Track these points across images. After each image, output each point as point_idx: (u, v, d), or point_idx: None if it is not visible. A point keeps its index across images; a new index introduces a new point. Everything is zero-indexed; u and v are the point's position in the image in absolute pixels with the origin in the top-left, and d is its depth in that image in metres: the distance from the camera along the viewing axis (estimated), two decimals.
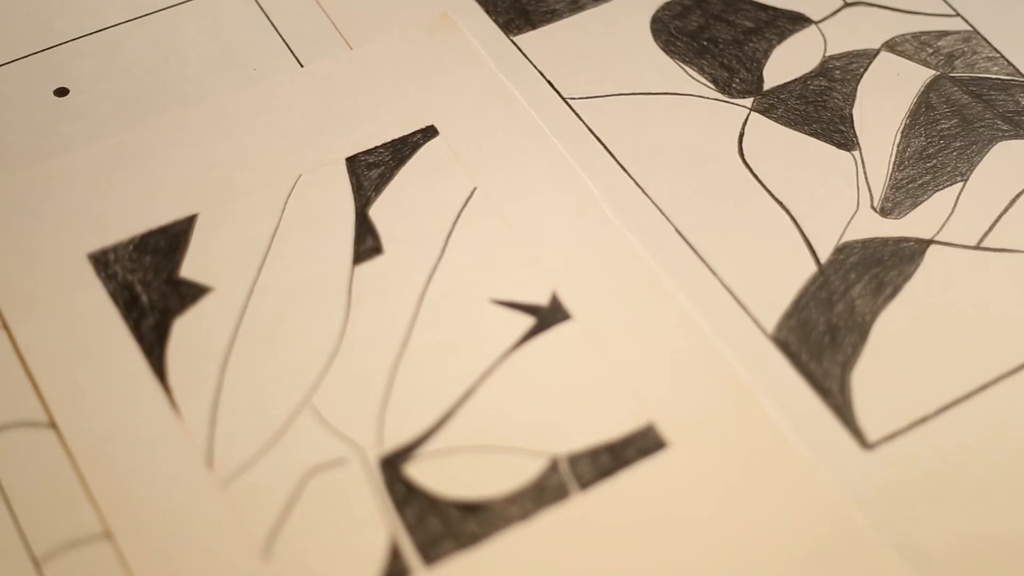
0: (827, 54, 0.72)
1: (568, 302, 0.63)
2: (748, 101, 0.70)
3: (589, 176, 0.67)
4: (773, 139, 0.69)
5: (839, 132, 0.69)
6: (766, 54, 0.72)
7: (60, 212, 0.65)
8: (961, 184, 0.68)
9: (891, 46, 0.73)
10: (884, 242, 0.65)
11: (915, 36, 0.73)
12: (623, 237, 0.65)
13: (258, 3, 0.73)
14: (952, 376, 0.61)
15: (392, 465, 0.58)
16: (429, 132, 0.68)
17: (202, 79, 0.70)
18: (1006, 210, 0.67)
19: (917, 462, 0.59)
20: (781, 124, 0.69)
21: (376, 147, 0.68)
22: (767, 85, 0.71)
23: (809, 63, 0.72)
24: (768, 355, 0.62)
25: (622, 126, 0.69)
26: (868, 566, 0.56)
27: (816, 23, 0.74)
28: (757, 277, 0.64)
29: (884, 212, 0.66)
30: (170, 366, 0.60)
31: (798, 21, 0.74)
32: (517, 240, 0.64)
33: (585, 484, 0.58)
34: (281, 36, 0.72)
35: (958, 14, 0.74)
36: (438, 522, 0.57)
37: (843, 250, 0.65)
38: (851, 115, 0.70)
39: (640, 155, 0.68)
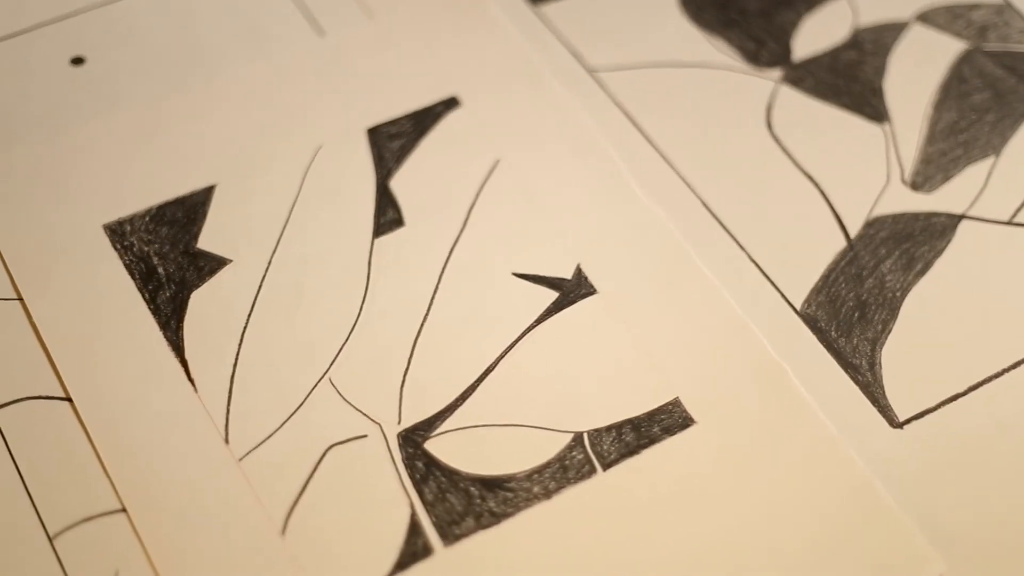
0: (858, 25, 0.71)
1: (592, 276, 0.62)
2: (776, 73, 0.69)
3: (614, 148, 0.66)
4: (802, 111, 0.68)
5: (869, 105, 0.68)
6: (795, 25, 0.71)
7: (75, 183, 0.64)
8: (993, 158, 0.67)
9: (923, 18, 0.72)
10: (915, 217, 0.64)
11: (947, 8, 0.72)
12: (649, 210, 0.64)
13: None
14: (983, 353, 0.60)
15: (411, 442, 0.57)
16: (451, 103, 0.67)
17: (219, 49, 0.69)
18: None
19: (947, 441, 0.58)
20: (810, 96, 0.68)
21: (397, 118, 0.67)
22: (796, 57, 0.70)
23: (839, 34, 0.71)
24: (796, 331, 0.61)
25: (648, 98, 0.68)
26: (894, 545, 0.55)
27: None
28: (785, 251, 0.63)
29: (915, 186, 0.65)
30: (187, 339, 0.59)
31: None
32: (540, 213, 0.63)
33: (609, 462, 0.57)
34: (299, 6, 0.71)
35: None
36: (458, 500, 0.56)
37: (873, 224, 0.64)
38: (882, 87, 0.69)
39: (666, 127, 0.67)
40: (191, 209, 0.63)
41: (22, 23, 0.70)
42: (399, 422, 0.57)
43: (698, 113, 0.68)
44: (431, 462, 0.56)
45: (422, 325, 0.60)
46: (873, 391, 0.59)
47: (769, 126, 0.67)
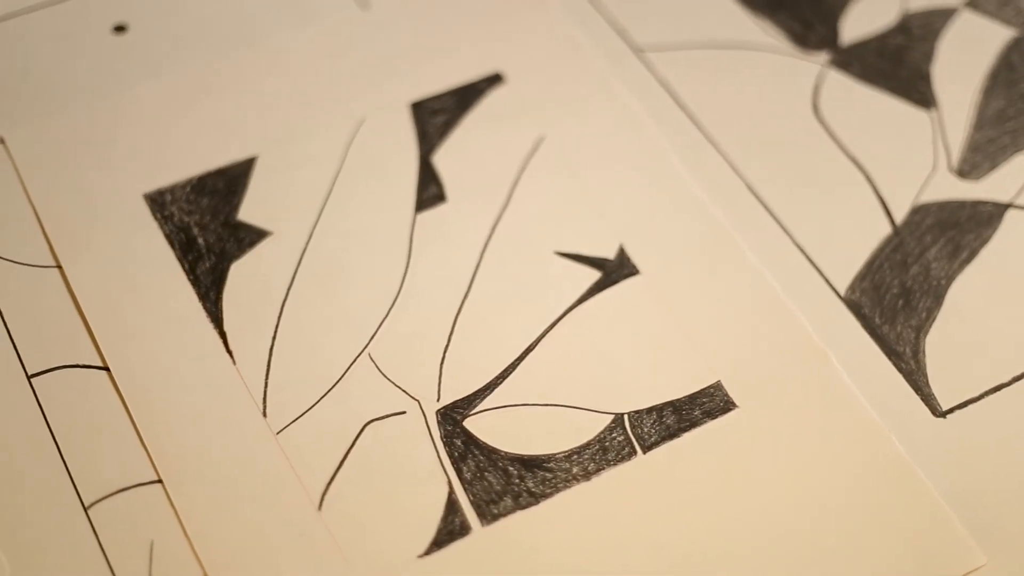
0: (906, 10, 0.71)
1: (635, 256, 0.61)
2: (824, 56, 0.68)
3: (659, 128, 0.65)
4: (849, 95, 0.67)
5: (917, 90, 0.67)
6: (843, 8, 0.70)
7: (116, 151, 0.64)
8: None
9: (972, 4, 0.71)
10: (961, 204, 0.64)
11: None
12: (693, 192, 0.63)
13: None
14: None
15: (450, 419, 0.57)
16: (495, 79, 0.67)
17: (262, 19, 0.69)
18: None
19: (990, 432, 0.57)
20: (857, 80, 0.68)
21: (441, 93, 0.66)
22: (844, 40, 0.69)
23: (887, 19, 0.70)
24: (840, 316, 0.60)
25: (693, 78, 0.67)
26: (936, 535, 0.55)
27: None
28: (830, 236, 0.62)
29: (962, 174, 0.65)
30: (226, 311, 0.59)
31: None
32: (584, 192, 0.63)
33: (649, 444, 0.56)
34: None
35: None
36: (496, 479, 0.55)
37: (919, 211, 0.63)
38: (930, 73, 0.68)
39: (711, 108, 0.66)
40: (232, 180, 0.63)
41: None
42: (438, 399, 0.57)
43: (744, 95, 0.67)
44: (470, 440, 0.56)
45: (463, 302, 0.60)
46: (916, 379, 0.58)
47: (815, 109, 0.66)
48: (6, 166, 0.63)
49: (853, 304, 0.60)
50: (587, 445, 0.56)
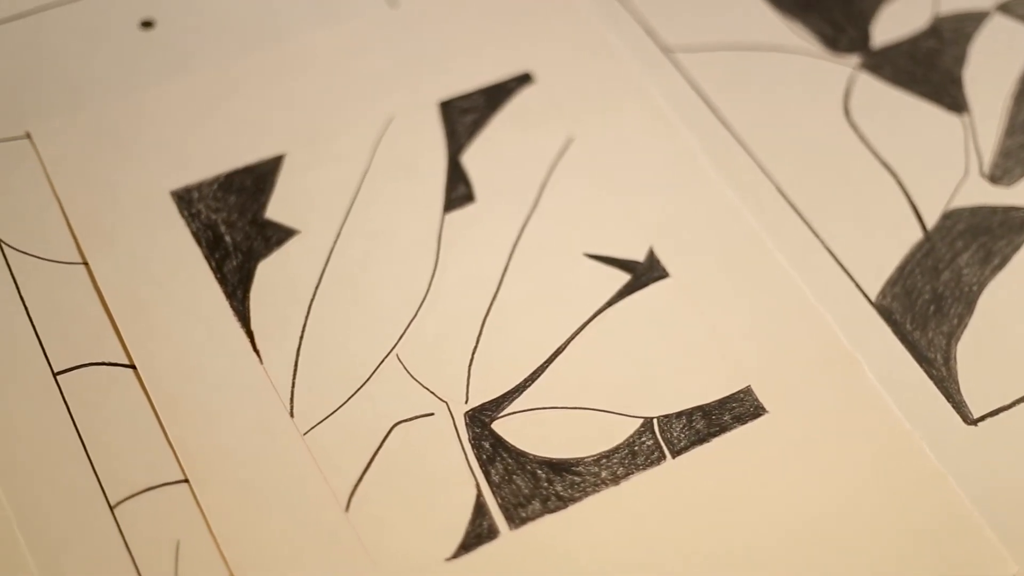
0: (938, 13, 0.70)
1: (665, 259, 0.61)
2: (855, 59, 0.68)
3: (689, 130, 0.65)
4: (880, 99, 0.67)
5: (948, 95, 0.67)
6: (874, 11, 0.70)
7: (143, 147, 0.63)
8: None
9: (1004, 7, 0.70)
10: (993, 210, 0.63)
11: None
12: (723, 194, 0.63)
13: None
14: None
15: (478, 421, 0.56)
16: (524, 79, 0.66)
17: (290, 16, 0.69)
18: None
19: (1022, 440, 0.57)
20: (888, 84, 0.67)
21: (470, 92, 0.66)
22: (875, 44, 0.69)
23: (919, 22, 0.70)
24: (870, 322, 0.60)
25: (724, 80, 0.67)
26: (966, 543, 0.54)
27: None
28: (861, 241, 0.62)
29: (993, 179, 0.64)
30: (253, 310, 0.59)
31: None
32: (614, 193, 0.63)
33: (679, 449, 0.56)
34: None
35: None
36: (524, 483, 0.55)
37: (950, 216, 0.63)
38: (961, 78, 0.68)
39: (742, 110, 0.66)
40: (260, 178, 0.63)
41: None
42: (466, 401, 0.57)
43: (774, 97, 0.67)
44: (498, 443, 0.56)
45: (491, 303, 0.59)
46: (947, 386, 0.58)
47: (846, 113, 0.66)
48: (32, 161, 0.63)
49: (884, 310, 0.60)
50: (616, 449, 0.56)
